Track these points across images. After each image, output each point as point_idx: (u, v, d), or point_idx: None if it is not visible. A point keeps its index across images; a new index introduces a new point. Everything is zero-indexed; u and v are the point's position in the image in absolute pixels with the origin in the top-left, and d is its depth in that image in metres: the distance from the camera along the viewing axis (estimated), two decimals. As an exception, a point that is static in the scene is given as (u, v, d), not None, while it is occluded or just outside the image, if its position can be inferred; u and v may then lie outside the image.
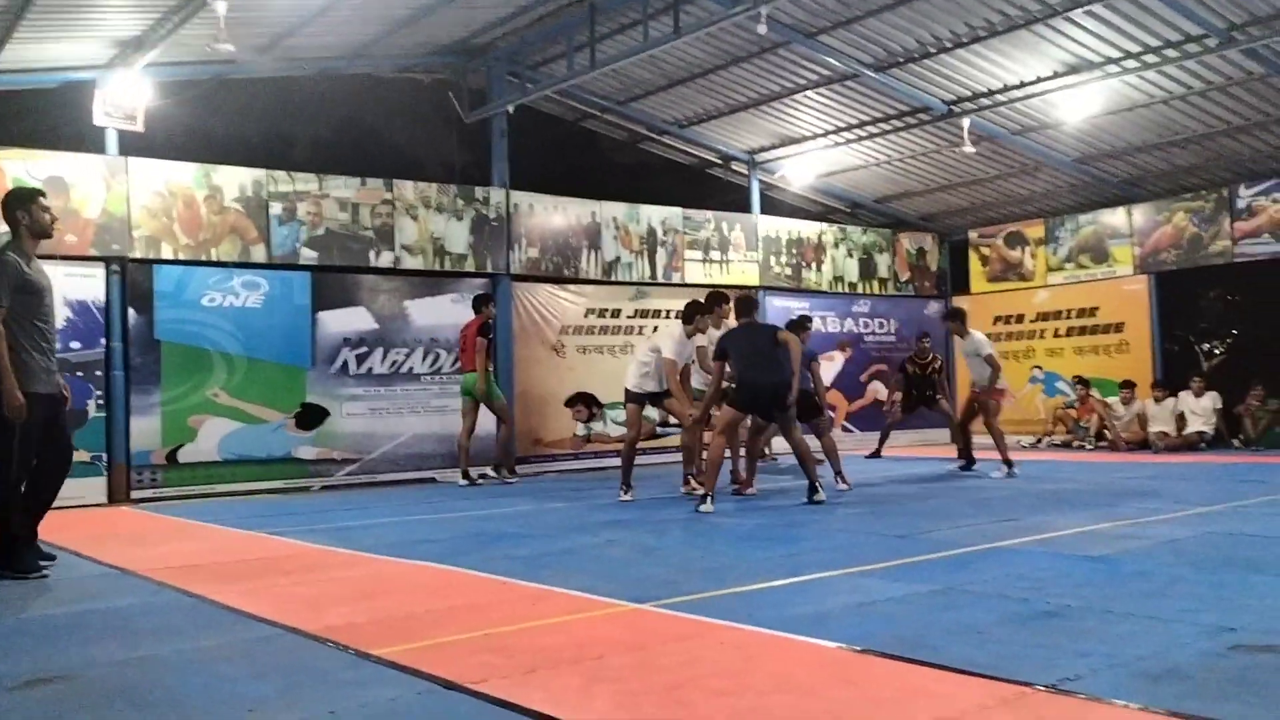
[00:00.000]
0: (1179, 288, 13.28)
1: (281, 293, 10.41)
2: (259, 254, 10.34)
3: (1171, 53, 10.45)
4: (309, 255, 10.61)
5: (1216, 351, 12.96)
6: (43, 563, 5.32)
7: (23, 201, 5.35)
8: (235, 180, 10.28)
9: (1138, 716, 2.53)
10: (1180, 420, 12.48)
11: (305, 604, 4.31)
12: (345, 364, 10.71)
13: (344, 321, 10.75)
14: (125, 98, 9.65)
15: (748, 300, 8.24)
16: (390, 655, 3.34)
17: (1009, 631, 3.44)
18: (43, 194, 5.52)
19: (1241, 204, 12.57)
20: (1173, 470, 9.56)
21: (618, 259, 12.80)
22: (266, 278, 10.34)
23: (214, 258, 10.09)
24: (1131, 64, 10.75)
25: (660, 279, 13.13)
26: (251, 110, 11.26)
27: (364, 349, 10.84)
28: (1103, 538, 5.43)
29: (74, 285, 9.28)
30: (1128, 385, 12.97)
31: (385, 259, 11.06)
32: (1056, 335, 14.44)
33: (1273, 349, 12.07)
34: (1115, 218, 13.88)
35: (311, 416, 10.49)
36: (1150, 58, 10.61)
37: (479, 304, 10.60)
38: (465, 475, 10.35)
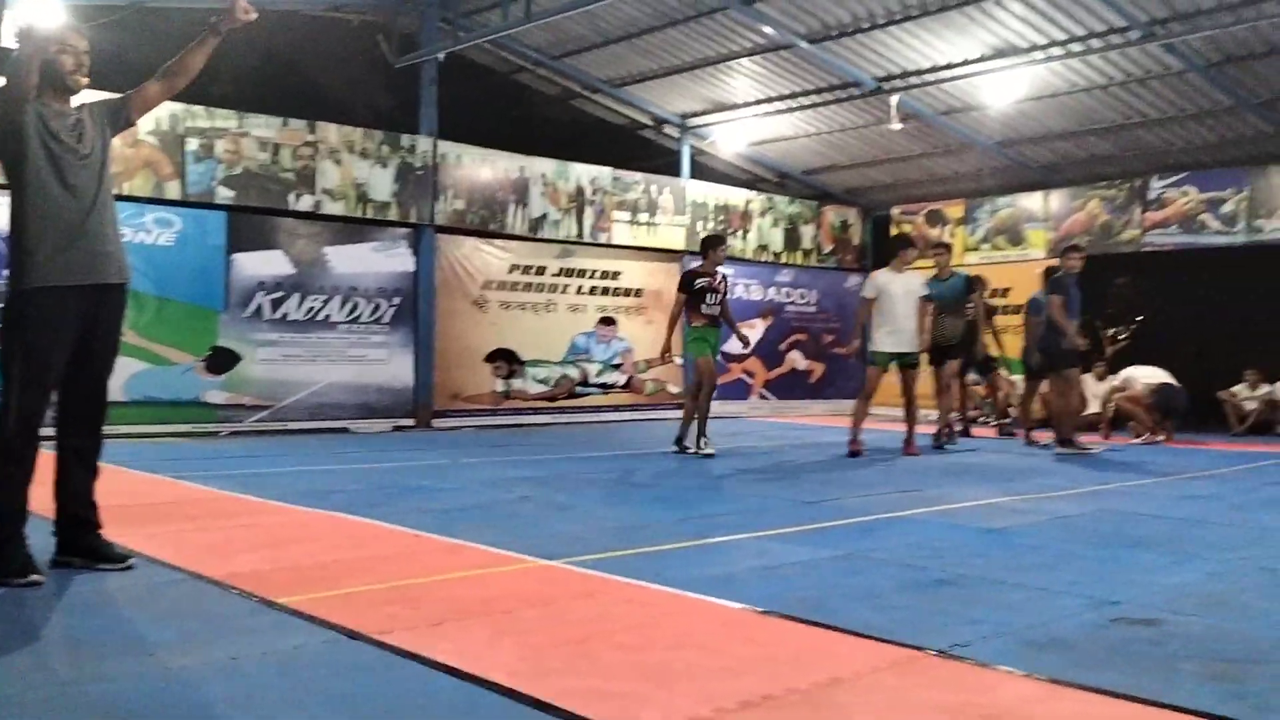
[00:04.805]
0: (1088, 273, 13.60)
1: (195, 232, 10.12)
2: (173, 190, 10.02)
3: (1095, 43, 10.71)
4: (225, 195, 10.32)
5: (1120, 337, 13.39)
6: (105, 566, 3.76)
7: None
8: (151, 113, 9.88)
9: (1021, 683, 2.64)
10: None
11: (210, 550, 4.25)
12: (260, 308, 10.48)
13: (260, 264, 10.50)
14: (36, 21, 9.20)
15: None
16: (295, 604, 3.32)
17: (906, 598, 3.55)
18: (70, 30, 3.99)
19: (1153, 195, 12.97)
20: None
21: (545, 216, 12.70)
22: (180, 215, 10.04)
23: (126, 192, 9.75)
24: (1056, 51, 10.98)
25: (587, 238, 13.08)
26: (170, 40, 10.75)
27: (280, 294, 10.61)
28: (1000, 511, 5.62)
29: (-26, 213, 8.89)
30: (1035, 365, 13.32)
31: (305, 202, 10.81)
32: (970, 314, 14.73)
33: (1174, 336, 12.52)
34: (1032, 201, 14.22)
35: (223, 360, 10.27)
36: (1075, 46, 10.85)
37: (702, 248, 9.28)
38: None
